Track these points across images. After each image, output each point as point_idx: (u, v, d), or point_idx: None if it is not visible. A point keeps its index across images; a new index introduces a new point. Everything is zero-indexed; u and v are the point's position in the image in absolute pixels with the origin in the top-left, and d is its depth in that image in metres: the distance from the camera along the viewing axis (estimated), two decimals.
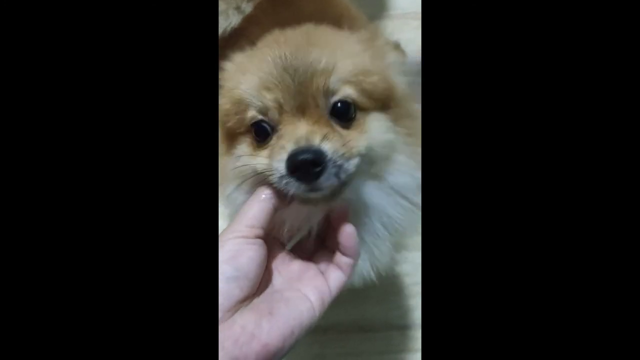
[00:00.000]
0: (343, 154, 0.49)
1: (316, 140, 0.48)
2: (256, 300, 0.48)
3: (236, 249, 0.47)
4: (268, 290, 0.50)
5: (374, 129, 0.55)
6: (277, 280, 0.52)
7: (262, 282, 0.50)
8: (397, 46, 0.66)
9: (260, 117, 0.53)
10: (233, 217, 0.52)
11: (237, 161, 0.55)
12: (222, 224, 0.52)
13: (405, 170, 0.57)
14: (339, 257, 0.52)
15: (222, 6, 0.78)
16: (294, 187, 0.48)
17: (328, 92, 0.52)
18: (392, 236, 0.61)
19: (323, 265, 0.54)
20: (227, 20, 0.78)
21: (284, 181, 0.49)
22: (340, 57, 0.53)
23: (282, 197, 0.51)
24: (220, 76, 0.59)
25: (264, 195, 0.51)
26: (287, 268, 0.53)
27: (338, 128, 0.52)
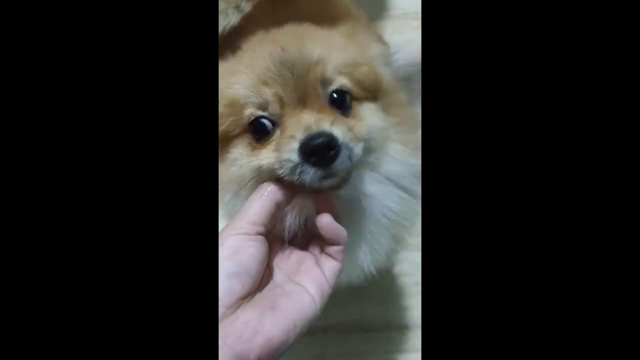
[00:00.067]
0: (351, 138, 0.50)
1: (326, 126, 0.49)
2: (258, 296, 0.48)
3: (237, 246, 0.47)
4: (269, 286, 0.50)
5: (369, 117, 0.56)
6: (278, 275, 0.52)
7: (264, 277, 0.50)
8: (379, 38, 0.66)
9: (259, 113, 0.53)
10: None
11: (233, 165, 0.55)
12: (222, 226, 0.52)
13: (400, 159, 0.58)
14: (328, 247, 0.52)
15: (221, 5, 0.78)
16: (309, 175, 0.48)
17: (325, 82, 0.54)
18: (391, 227, 0.61)
19: (317, 255, 0.54)
20: (227, 19, 0.78)
21: (298, 170, 0.48)
22: (330, 50, 0.55)
23: (285, 193, 0.51)
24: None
25: (267, 192, 0.51)
26: (285, 262, 0.53)
27: (338, 116, 0.53)
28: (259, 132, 0.53)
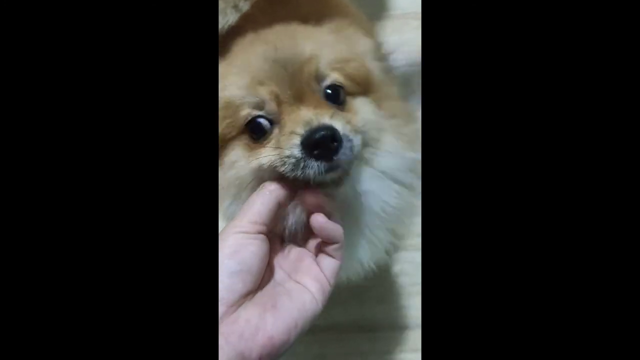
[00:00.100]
0: (350, 130, 0.51)
1: (326, 119, 0.50)
2: (259, 294, 0.48)
3: (239, 244, 0.47)
4: (270, 284, 0.50)
5: (363, 111, 0.57)
6: (279, 273, 0.52)
7: (265, 276, 0.50)
8: (368, 33, 0.67)
9: (256, 112, 0.53)
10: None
11: (231, 168, 0.55)
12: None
13: (395, 153, 0.58)
14: (325, 245, 0.52)
15: (220, 5, 0.78)
16: (313, 169, 0.48)
17: (319, 78, 0.54)
18: (389, 221, 0.61)
19: (316, 254, 0.54)
20: (225, 18, 0.78)
21: (302, 165, 0.49)
22: (321, 46, 0.55)
23: (287, 192, 0.51)
24: None
25: (268, 191, 0.51)
26: (285, 260, 0.53)
27: (335, 110, 0.54)
28: (256, 131, 0.53)
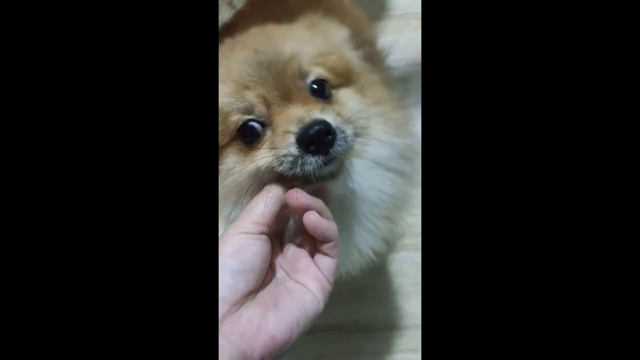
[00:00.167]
0: (341, 121, 0.51)
1: (317, 114, 0.50)
2: (261, 294, 0.48)
3: (241, 244, 0.48)
4: (272, 284, 0.50)
5: (349, 102, 0.58)
6: (280, 273, 0.52)
7: (266, 276, 0.50)
8: (340, 23, 0.67)
9: (246, 117, 0.53)
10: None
11: (228, 175, 0.55)
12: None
13: (384, 141, 0.59)
14: (320, 244, 0.52)
15: None
16: (311, 163, 0.49)
17: (303, 75, 0.55)
18: (385, 209, 0.62)
19: (312, 250, 0.54)
20: (220, 15, 0.79)
21: (300, 162, 0.49)
22: (300, 43, 0.56)
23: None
24: None
25: (271, 193, 0.51)
26: (285, 261, 0.53)
27: (324, 104, 0.54)
28: (249, 135, 0.54)
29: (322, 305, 0.49)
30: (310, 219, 0.49)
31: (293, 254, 0.53)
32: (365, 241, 0.63)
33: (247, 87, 0.53)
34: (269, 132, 0.53)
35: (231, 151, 0.55)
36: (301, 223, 0.51)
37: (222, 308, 0.44)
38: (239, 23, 0.86)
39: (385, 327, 0.98)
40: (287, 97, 0.53)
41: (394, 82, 0.92)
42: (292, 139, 0.49)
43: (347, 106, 0.57)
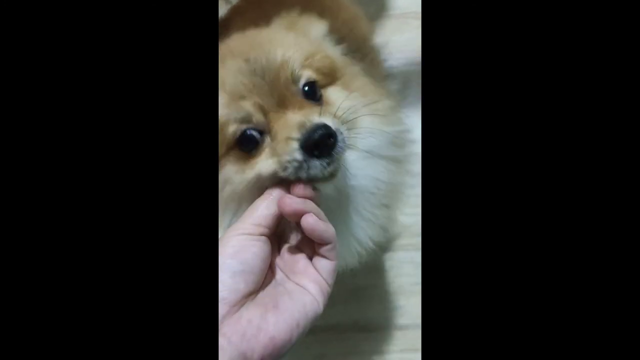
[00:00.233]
0: (338, 122, 0.52)
1: (316, 118, 0.51)
2: (261, 295, 0.48)
3: (241, 245, 0.48)
4: (271, 285, 0.50)
5: (338, 100, 0.58)
6: (279, 274, 0.52)
7: (266, 277, 0.50)
8: (316, 18, 0.68)
9: (244, 126, 0.53)
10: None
11: (228, 184, 0.55)
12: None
13: (375, 130, 0.59)
14: (318, 246, 0.52)
15: None
16: (316, 167, 0.50)
17: (295, 79, 0.55)
18: (382, 197, 0.63)
19: (309, 251, 0.54)
20: None
21: (305, 167, 0.50)
22: (287, 47, 0.56)
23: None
24: None
25: (272, 196, 0.51)
26: (284, 262, 0.53)
27: (317, 106, 0.55)
28: (247, 144, 0.53)
29: (321, 307, 0.49)
30: (308, 221, 0.49)
31: (291, 255, 0.53)
32: (365, 231, 0.63)
33: (242, 97, 0.53)
34: (267, 140, 0.53)
35: (229, 160, 0.55)
36: (298, 225, 0.51)
37: (222, 309, 0.44)
38: (233, 19, 0.87)
39: (385, 327, 0.98)
40: (282, 103, 0.53)
41: (383, 74, 0.93)
42: (295, 145, 0.49)
43: (337, 104, 0.57)
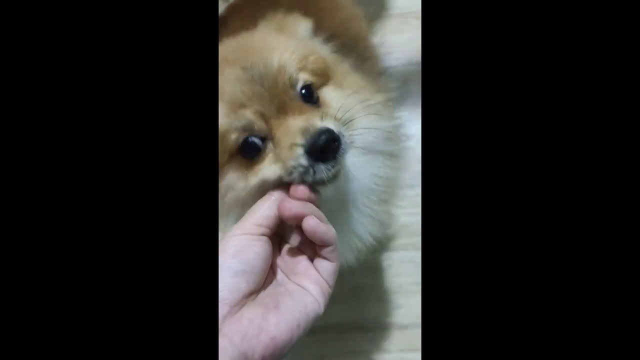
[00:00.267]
0: (339, 125, 0.53)
1: (319, 123, 0.51)
2: (262, 295, 0.48)
3: (243, 245, 0.48)
4: (272, 285, 0.51)
5: (334, 100, 0.59)
6: (280, 275, 0.52)
7: (267, 277, 0.50)
8: (301, 16, 0.67)
9: (246, 134, 0.53)
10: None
11: (230, 191, 0.55)
12: None
13: (370, 127, 0.60)
14: (320, 248, 0.52)
15: None
16: (323, 171, 0.50)
17: (292, 83, 0.55)
18: (381, 192, 0.64)
19: (311, 253, 0.54)
20: None
21: (311, 172, 0.50)
22: (282, 51, 0.56)
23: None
24: None
25: (274, 197, 0.51)
26: (285, 262, 0.53)
27: (316, 109, 0.55)
28: (249, 151, 0.53)
29: (322, 308, 0.49)
30: (310, 224, 0.49)
31: (292, 256, 0.53)
32: (365, 227, 0.64)
33: (243, 106, 0.52)
34: (270, 146, 0.53)
35: (231, 167, 0.54)
36: (299, 228, 0.51)
37: (224, 309, 0.44)
38: (230, 17, 0.87)
39: (385, 327, 0.98)
40: (282, 108, 0.53)
41: (377, 70, 0.92)
42: (300, 150, 0.50)
43: (333, 105, 0.58)
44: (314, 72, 0.58)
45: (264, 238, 0.49)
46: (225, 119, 0.52)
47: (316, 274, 0.51)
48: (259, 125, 0.53)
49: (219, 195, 0.55)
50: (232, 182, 0.54)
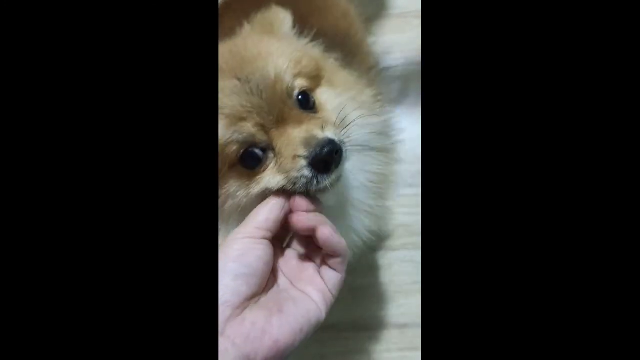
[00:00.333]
0: (339, 133, 0.53)
1: (320, 133, 0.51)
2: (264, 299, 0.48)
3: (244, 248, 0.48)
4: (274, 290, 0.51)
5: (329, 103, 0.59)
6: (282, 280, 0.52)
7: (268, 282, 0.50)
8: (281, 10, 0.67)
9: (246, 147, 0.53)
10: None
11: (231, 198, 0.55)
12: None
13: (362, 124, 0.60)
14: (329, 258, 0.53)
15: None
16: (327, 180, 0.51)
17: (290, 92, 0.55)
18: (375, 187, 0.64)
19: (318, 261, 0.54)
20: None
21: (315, 182, 0.51)
22: (276, 59, 0.56)
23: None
24: None
25: (274, 201, 0.51)
26: (287, 268, 0.54)
27: (314, 116, 0.55)
28: (250, 162, 0.53)
29: (324, 315, 0.50)
30: (324, 233, 0.50)
31: (299, 263, 0.54)
32: (361, 222, 0.65)
33: (242, 119, 0.52)
34: (271, 155, 0.53)
35: (232, 177, 0.54)
36: (308, 237, 0.52)
37: (226, 311, 0.44)
38: (224, 14, 0.86)
39: (385, 326, 0.98)
40: (282, 118, 0.53)
41: (369, 65, 0.92)
42: (303, 162, 0.50)
43: (329, 108, 0.58)
44: (308, 76, 0.58)
45: (265, 241, 0.50)
46: (225, 131, 0.52)
47: (321, 282, 0.52)
48: (260, 137, 0.52)
49: (219, 203, 0.55)
50: (233, 191, 0.54)
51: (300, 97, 0.56)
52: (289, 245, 0.57)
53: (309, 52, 0.63)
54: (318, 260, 0.54)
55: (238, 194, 0.54)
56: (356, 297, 0.98)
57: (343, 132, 0.55)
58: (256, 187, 0.53)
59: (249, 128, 0.52)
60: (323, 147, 0.50)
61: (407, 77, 1.16)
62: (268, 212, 0.50)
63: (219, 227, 0.55)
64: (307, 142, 0.50)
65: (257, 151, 0.53)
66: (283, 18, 0.65)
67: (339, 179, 0.53)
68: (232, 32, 0.68)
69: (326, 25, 0.83)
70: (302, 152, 0.50)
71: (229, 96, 0.52)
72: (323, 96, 0.59)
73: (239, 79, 0.53)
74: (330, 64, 0.66)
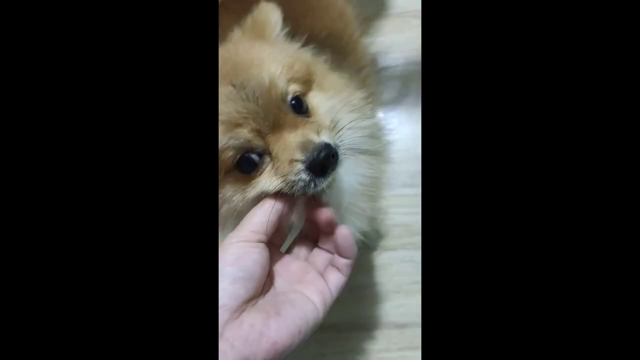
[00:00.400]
0: (333, 136, 0.54)
1: (316, 137, 0.52)
2: (261, 302, 0.49)
3: (241, 252, 0.48)
4: (272, 292, 0.51)
5: (320, 106, 0.59)
6: (279, 282, 0.53)
7: (265, 284, 0.50)
8: (270, 8, 0.66)
9: (242, 152, 0.53)
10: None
11: (228, 202, 0.55)
12: None
13: (354, 127, 0.60)
14: (337, 259, 0.53)
15: None
16: (324, 183, 0.52)
17: (284, 97, 0.55)
18: (367, 190, 0.65)
19: (321, 266, 0.55)
20: None
21: (312, 185, 0.51)
22: (269, 65, 0.56)
23: (287, 205, 0.53)
24: None
25: (269, 204, 0.52)
26: (287, 271, 0.54)
27: (308, 120, 0.56)
28: (246, 167, 0.54)
29: (321, 316, 0.50)
30: (344, 232, 0.52)
31: (299, 266, 0.55)
32: (354, 224, 0.66)
33: (238, 125, 0.52)
34: (267, 160, 0.54)
35: (228, 181, 0.55)
36: (313, 237, 0.53)
37: (224, 315, 0.44)
38: (220, 13, 0.86)
39: (385, 326, 0.98)
40: (277, 123, 0.53)
41: (361, 64, 0.92)
42: (300, 166, 0.51)
43: (321, 112, 0.58)
44: (300, 81, 0.58)
45: (261, 245, 0.50)
46: (221, 137, 0.52)
47: (323, 284, 0.52)
48: (256, 142, 0.53)
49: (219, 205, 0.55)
50: (229, 195, 0.55)
51: (293, 102, 0.56)
52: (289, 251, 0.57)
53: (300, 56, 0.63)
54: (321, 265, 0.55)
55: (234, 198, 0.54)
56: (356, 297, 0.98)
57: (337, 135, 0.55)
58: (252, 191, 0.54)
59: (245, 134, 0.52)
60: (320, 151, 0.50)
61: (406, 77, 1.16)
62: (262, 216, 0.51)
63: None
64: (303, 147, 0.51)
65: (254, 156, 0.53)
66: (273, 21, 0.65)
67: (333, 181, 0.54)
68: (229, 29, 0.68)
69: (321, 25, 0.83)
70: (300, 156, 0.51)
71: (225, 102, 0.52)
72: (314, 100, 0.60)
73: (233, 85, 0.53)
74: (321, 68, 0.66)
